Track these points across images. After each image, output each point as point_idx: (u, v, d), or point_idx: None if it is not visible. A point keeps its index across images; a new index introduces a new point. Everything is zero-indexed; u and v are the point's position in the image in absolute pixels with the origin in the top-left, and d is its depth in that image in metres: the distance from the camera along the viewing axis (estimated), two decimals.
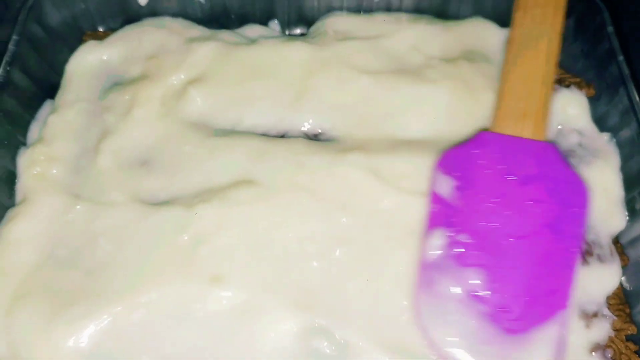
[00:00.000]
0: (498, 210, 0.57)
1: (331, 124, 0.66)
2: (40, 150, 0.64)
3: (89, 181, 0.62)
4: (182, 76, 0.68)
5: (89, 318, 0.54)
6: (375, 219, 0.59)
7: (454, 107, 0.66)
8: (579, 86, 0.69)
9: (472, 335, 0.53)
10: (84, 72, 0.70)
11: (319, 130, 0.66)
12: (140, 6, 0.75)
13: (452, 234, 0.56)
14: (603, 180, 0.64)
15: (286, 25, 0.78)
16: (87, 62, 0.70)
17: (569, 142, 0.66)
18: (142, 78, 0.68)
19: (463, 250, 0.56)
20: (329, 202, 0.60)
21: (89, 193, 0.62)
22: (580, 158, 0.65)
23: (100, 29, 0.77)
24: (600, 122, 0.68)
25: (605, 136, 0.67)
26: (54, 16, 0.72)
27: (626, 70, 0.66)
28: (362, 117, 0.66)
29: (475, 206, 0.57)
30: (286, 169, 0.62)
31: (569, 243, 0.56)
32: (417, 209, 0.59)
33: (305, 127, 0.66)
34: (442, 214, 0.58)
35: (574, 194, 0.58)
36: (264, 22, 0.77)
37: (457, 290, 0.55)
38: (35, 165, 0.63)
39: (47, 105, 0.70)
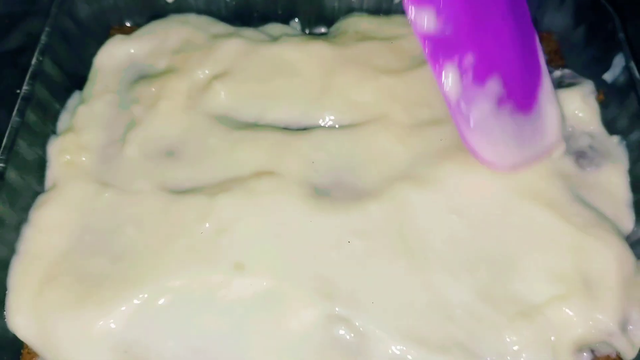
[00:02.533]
0: (472, 10, 0.57)
1: (351, 120, 0.68)
2: (71, 138, 0.66)
3: (117, 170, 0.64)
4: (207, 71, 0.70)
5: (116, 301, 0.55)
6: (392, 208, 0.61)
7: None
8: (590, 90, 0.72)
9: (511, 135, 0.60)
10: (111, 65, 0.72)
11: (338, 127, 0.68)
12: (166, 3, 0.77)
13: (458, 60, 0.57)
14: (611, 182, 0.66)
15: (307, 24, 0.80)
16: (115, 55, 0.73)
17: (579, 144, 0.67)
18: (168, 72, 0.70)
19: (473, 69, 0.57)
20: None
21: (117, 181, 0.63)
22: (590, 160, 0.67)
23: (127, 24, 0.79)
24: (610, 126, 0.70)
25: (615, 139, 0.69)
26: (84, 10, 0.74)
27: (637, 75, 0.68)
28: (382, 114, 0.68)
29: (455, 20, 0.57)
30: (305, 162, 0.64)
31: (523, 18, 0.60)
32: (434, 196, 0.61)
33: (325, 123, 0.68)
34: (438, 49, 0.57)
35: None
36: (285, 20, 0.79)
37: (487, 106, 0.58)
38: (65, 153, 0.65)
39: (75, 96, 0.72)
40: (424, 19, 0.56)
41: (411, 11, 0.55)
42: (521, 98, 0.60)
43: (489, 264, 0.59)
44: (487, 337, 0.56)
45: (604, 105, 0.71)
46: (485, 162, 0.61)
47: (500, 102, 0.59)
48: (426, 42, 0.57)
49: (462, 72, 0.58)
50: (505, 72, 0.59)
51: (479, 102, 0.59)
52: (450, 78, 0.58)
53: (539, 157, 0.63)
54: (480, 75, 0.58)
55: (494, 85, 0.59)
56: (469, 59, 0.57)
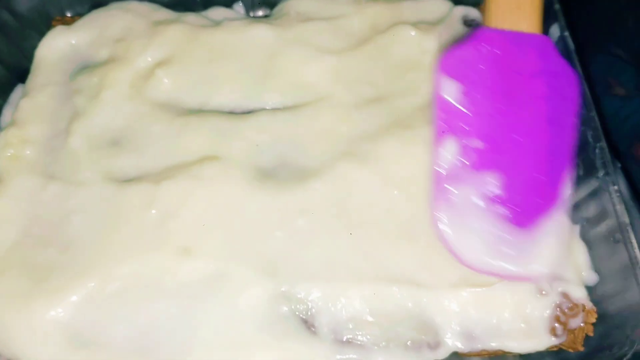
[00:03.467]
0: (505, 110, 0.58)
1: (295, 102, 0.69)
2: (14, 133, 0.66)
3: (62, 161, 0.65)
4: (149, 58, 0.70)
5: (66, 291, 0.57)
6: (335, 186, 0.62)
7: None
8: None
9: (490, 238, 0.55)
10: (53, 57, 0.72)
11: (282, 109, 0.68)
12: None
13: (464, 141, 0.57)
14: None
15: (250, 7, 0.80)
16: (56, 46, 0.72)
17: None
18: (110, 61, 0.70)
19: (476, 155, 0.56)
20: None
21: (62, 173, 0.64)
22: None
23: (69, 14, 0.78)
24: None
25: None
26: (23, 2, 0.73)
27: (572, 45, 0.70)
28: (325, 94, 0.69)
29: (483, 107, 0.58)
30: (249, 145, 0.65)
31: (565, 134, 0.58)
32: (375, 171, 0.63)
33: (270, 106, 0.69)
34: (450, 121, 0.58)
35: (569, 86, 0.60)
36: (228, 4, 0.79)
37: (474, 196, 0.56)
38: (9, 147, 0.65)
39: (18, 90, 0.72)
40: (450, 89, 0.58)
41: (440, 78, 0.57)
42: (519, 211, 0.56)
43: (427, 233, 0.60)
44: (430, 302, 0.58)
45: None
46: (448, 247, 0.57)
47: (490, 200, 0.56)
48: (442, 106, 0.58)
49: (463, 150, 0.57)
50: (509, 176, 0.57)
51: (466, 185, 0.56)
52: (447, 148, 0.57)
53: (512, 277, 0.57)
54: (480, 164, 0.57)
55: (490, 180, 0.56)
56: (478, 144, 0.57)
